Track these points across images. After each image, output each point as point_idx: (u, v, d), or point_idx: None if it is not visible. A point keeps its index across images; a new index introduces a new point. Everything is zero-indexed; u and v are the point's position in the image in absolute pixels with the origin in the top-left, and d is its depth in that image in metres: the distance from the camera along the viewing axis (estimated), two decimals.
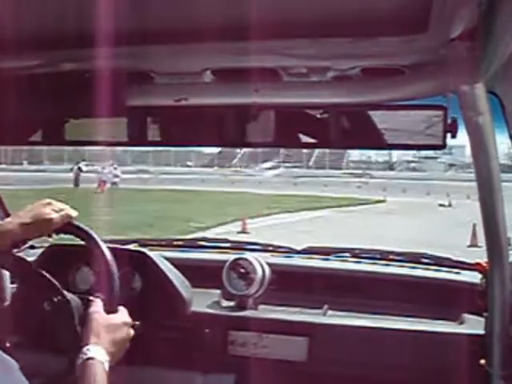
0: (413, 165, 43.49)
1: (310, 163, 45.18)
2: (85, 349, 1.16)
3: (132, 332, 1.29)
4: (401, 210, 18.46)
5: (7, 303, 1.40)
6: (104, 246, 1.34)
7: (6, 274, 1.48)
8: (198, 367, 1.73)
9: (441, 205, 20.30)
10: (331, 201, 20.68)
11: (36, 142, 1.31)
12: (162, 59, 1.09)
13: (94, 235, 1.35)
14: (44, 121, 1.25)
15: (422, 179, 33.06)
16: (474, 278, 1.71)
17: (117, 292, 1.30)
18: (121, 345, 1.25)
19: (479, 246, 8.63)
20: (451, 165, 41.55)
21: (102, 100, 1.12)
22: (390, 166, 43.81)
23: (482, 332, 1.60)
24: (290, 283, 1.87)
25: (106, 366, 1.16)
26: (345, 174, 38.61)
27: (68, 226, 1.42)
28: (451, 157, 40.86)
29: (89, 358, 1.15)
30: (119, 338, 1.24)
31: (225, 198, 20.27)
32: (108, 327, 1.23)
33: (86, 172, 26.68)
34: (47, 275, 1.30)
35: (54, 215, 1.31)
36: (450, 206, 20.21)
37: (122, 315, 1.29)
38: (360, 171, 39.51)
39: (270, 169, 41.51)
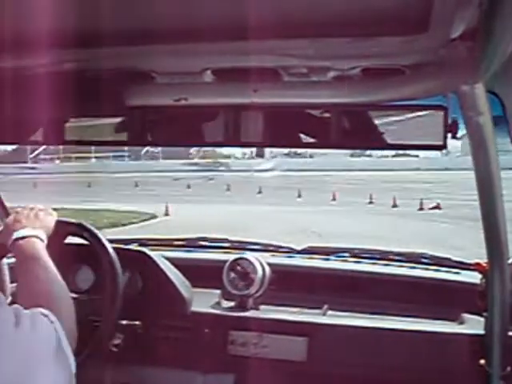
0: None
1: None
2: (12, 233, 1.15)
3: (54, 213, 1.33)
4: None
5: (7, 302, 1.40)
6: (109, 246, 1.34)
7: (7, 273, 1.48)
8: (198, 367, 1.73)
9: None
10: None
11: (36, 141, 1.31)
12: (163, 59, 1.09)
13: (99, 235, 1.35)
14: (44, 121, 1.25)
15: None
16: (474, 278, 1.71)
17: (120, 291, 1.31)
18: (47, 221, 1.26)
19: None
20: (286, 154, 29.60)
21: (103, 100, 1.12)
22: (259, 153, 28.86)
23: (481, 332, 1.60)
24: (290, 283, 1.87)
25: (42, 238, 1.15)
26: (187, 164, 27.38)
27: (72, 227, 1.42)
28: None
29: (19, 238, 1.13)
30: (42, 215, 1.26)
31: None
32: (28, 213, 1.25)
33: None
34: None
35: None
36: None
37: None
38: (209, 160, 28.20)
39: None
